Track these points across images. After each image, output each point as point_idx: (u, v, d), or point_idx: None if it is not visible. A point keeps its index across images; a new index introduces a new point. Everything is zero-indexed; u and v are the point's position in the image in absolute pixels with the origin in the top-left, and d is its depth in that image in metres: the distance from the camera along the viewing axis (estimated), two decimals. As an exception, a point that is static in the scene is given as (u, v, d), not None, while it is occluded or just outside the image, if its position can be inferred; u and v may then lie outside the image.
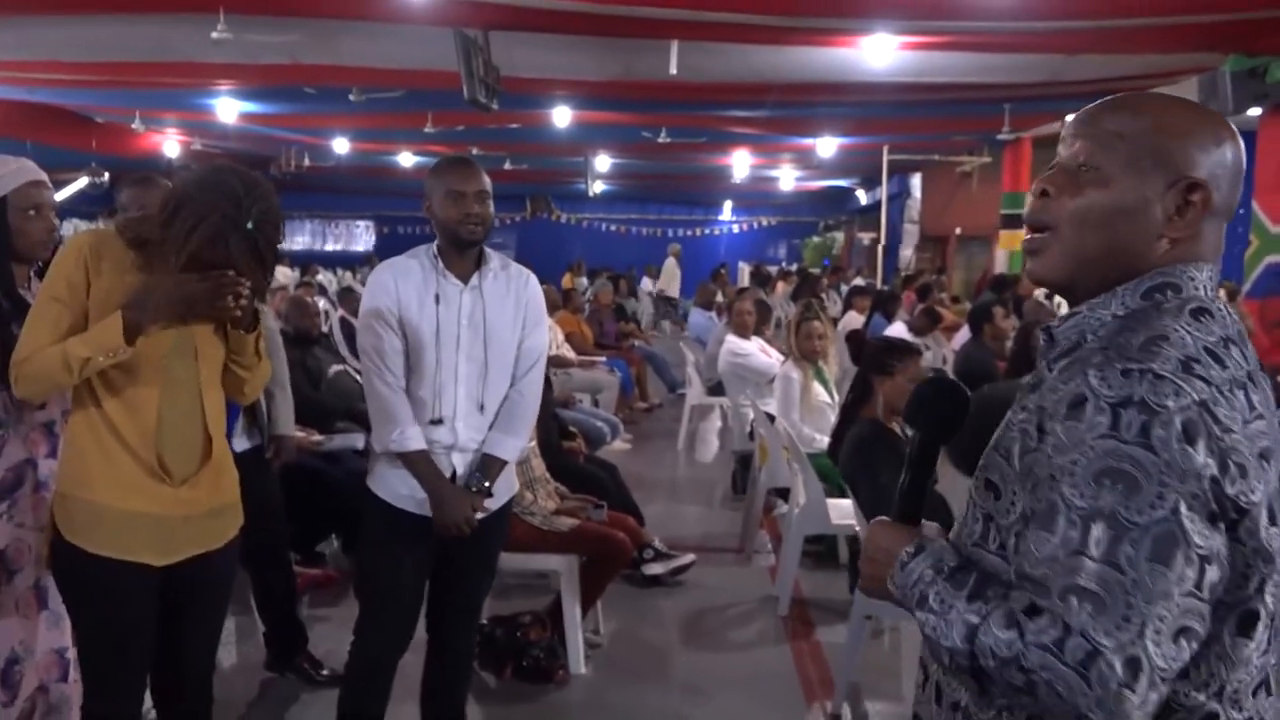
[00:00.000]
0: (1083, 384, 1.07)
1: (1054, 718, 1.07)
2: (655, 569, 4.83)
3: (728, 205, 26.13)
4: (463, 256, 2.68)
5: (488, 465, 2.72)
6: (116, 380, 2.14)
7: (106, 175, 14.07)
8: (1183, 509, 1.02)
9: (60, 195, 15.47)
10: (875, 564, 1.25)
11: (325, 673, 3.64)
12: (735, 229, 26.75)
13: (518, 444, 2.78)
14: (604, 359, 8.85)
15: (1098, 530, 1.03)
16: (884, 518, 1.31)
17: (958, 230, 20.06)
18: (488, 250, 2.74)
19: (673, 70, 7.94)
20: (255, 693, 3.65)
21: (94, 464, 2.16)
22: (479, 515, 2.69)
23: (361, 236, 25.26)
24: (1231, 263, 13.69)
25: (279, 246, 2.19)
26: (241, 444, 3.43)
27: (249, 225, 2.07)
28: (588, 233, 25.71)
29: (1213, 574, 1.03)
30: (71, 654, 2.55)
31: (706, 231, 26.56)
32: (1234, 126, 1.20)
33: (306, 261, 17.72)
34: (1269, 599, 1.08)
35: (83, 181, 14.38)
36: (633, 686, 3.85)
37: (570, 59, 8.74)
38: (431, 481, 2.65)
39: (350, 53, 8.67)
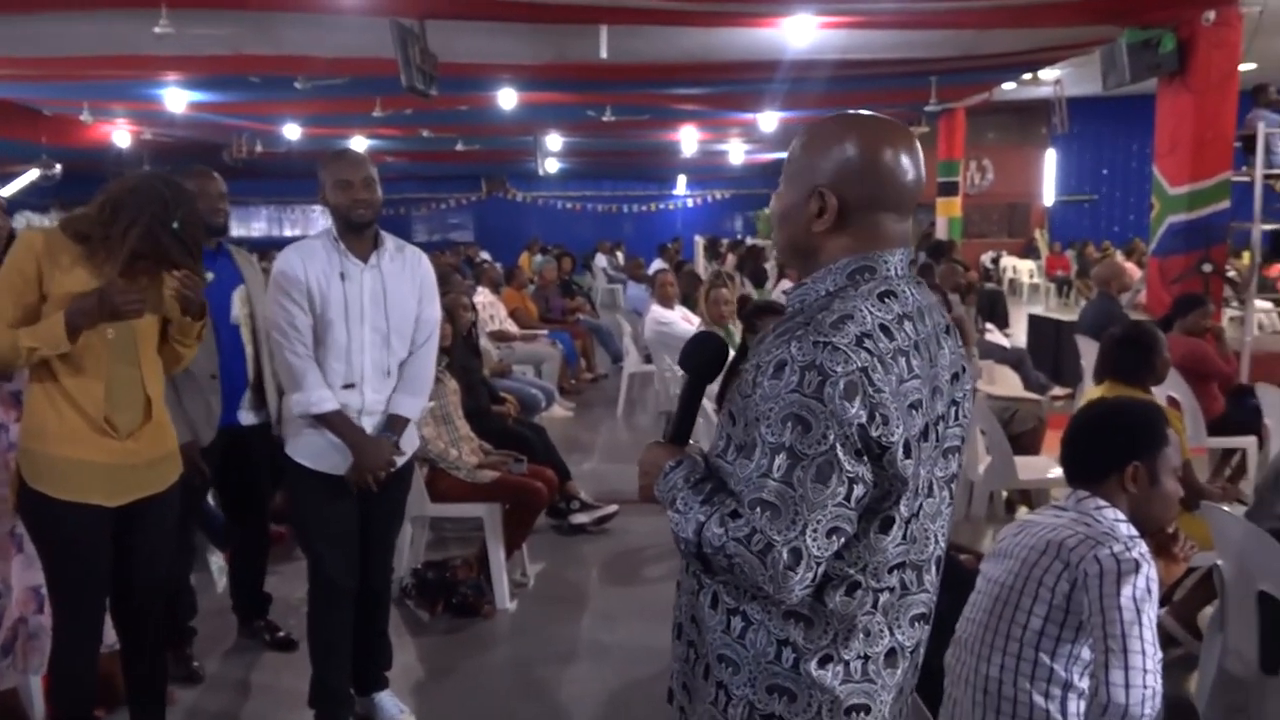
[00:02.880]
0: (785, 351, 1.39)
1: (748, 588, 1.47)
2: (580, 518, 5.28)
3: (682, 180, 26.44)
4: (360, 238, 3.05)
5: (393, 423, 3.11)
6: (70, 354, 2.54)
7: (58, 167, 14.18)
8: (838, 446, 1.36)
9: (12, 188, 15.58)
10: (647, 475, 1.62)
11: (282, 634, 3.96)
12: (690, 203, 27.09)
13: (418, 403, 3.19)
14: (546, 332, 9.24)
15: (780, 459, 1.38)
16: (659, 439, 1.68)
17: (902, 199, 20.54)
18: (382, 233, 3.12)
19: (603, 54, 8.29)
20: (222, 658, 3.92)
21: (50, 422, 2.56)
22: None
23: (319, 221, 25.32)
24: (1141, 224, 14.28)
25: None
26: (248, 419, 3.63)
27: (175, 225, 2.48)
28: (544, 211, 25.95)
29: (858, 491, 1.39)
30: (45, 590, 2.94)
31: (662, 207, 26.89)
32: (880, 128, 1.49)
33: (265, 247, 17.89)
34: (902, 508, 1.46)
35: (34, 174, 14.49)
36: (554, 618, 4.28)
37: (505, 45, 9.06)
38: (350, 435, 3.03)
39: (291, 42, 8.93)
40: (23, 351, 2.47)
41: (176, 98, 11.72)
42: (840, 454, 1.36)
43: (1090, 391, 3.91)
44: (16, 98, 12.03)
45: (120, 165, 13.36)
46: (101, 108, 13.05)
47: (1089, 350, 6.19)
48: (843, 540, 1.41)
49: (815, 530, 1.38)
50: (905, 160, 1.49)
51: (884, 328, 1.42)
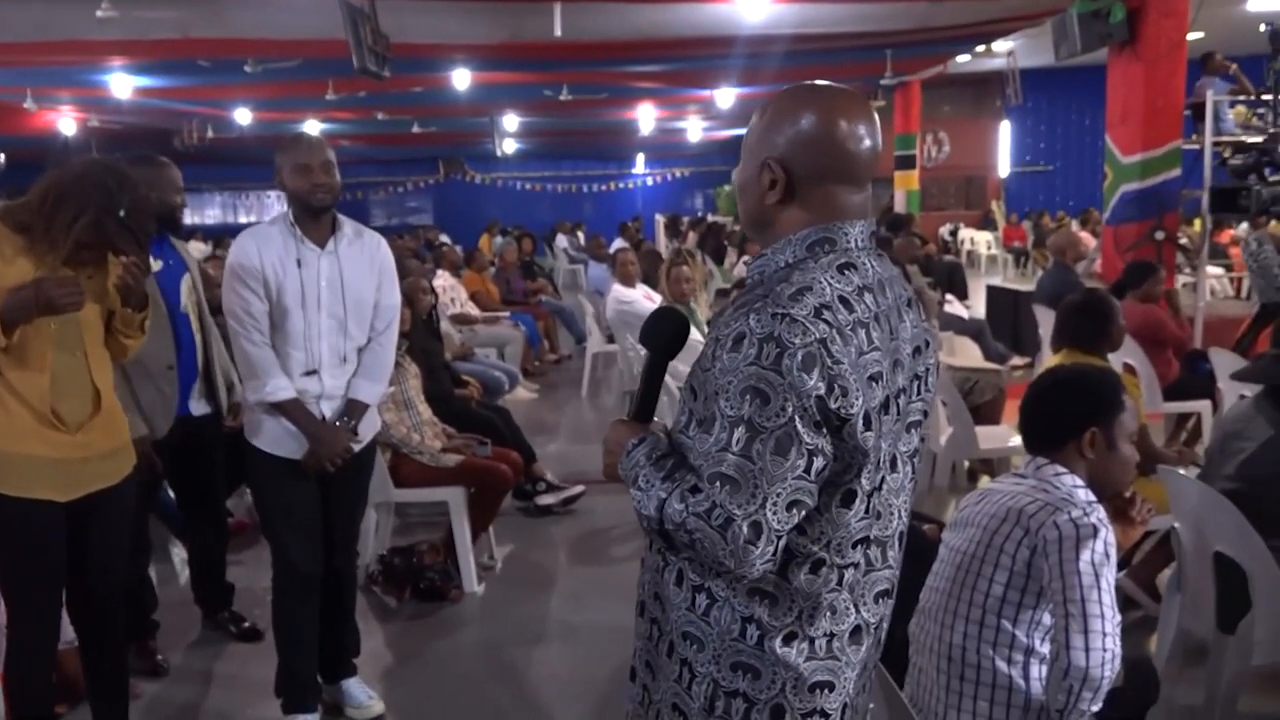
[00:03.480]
0: (744, 324, 1.38)
1: (710, 564, 1.46)
2: (547, 500, 5.27)
3: (640, 159, 26.37)
4: (317, 223, 3.01)
5: (352, 408, 3.08)
6: (13, 348, 2.47)
7: (1, 156, 13.86)
8: (797, 418, 1.35)
9: (-45, 178, 15.19)
10: (610, 454, 1.61)
11: (247, 624, 3.93)
12: (650, 181, 27.03)
13: (377, 389, 3.16)
14: (509, 314, 9.19)
15: (739, 432, 1.37)
16: (622, 418, 1.67)
17: (861, 173, 20.64)
18: (340, 217, 3.07)
19: (557, 32, 8.22)
20: (186, 650, 3.88)
21: None
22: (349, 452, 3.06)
23: (274, 207, 24.96)
24: (1095, 193, 14.44)
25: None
26: (200, 408, 3.59)
27: (121, 214, 2.42)
28: (503, 192, 25.78)
29: (818, 463, 1.38)
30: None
31: (622, 185, 26.81)
32: (832, 99, 1.48)
33: (220, 234, 17.62)
34: (864, 481, 1.45)
35: (-22, 163, 14.15)
36: (521, 600, 4.28)
37: (458, 24, 8.95)
38: (306, 424, 3.01)
39: (240, 25, 8.75)
40: None
41: (122, 83, 11.47)
42: (799, 426, 1.35)
43: (1048, 360, 3.96)
44: (-44, 86, 11.74)
45: (67, 153, 13.07)
46: (45, 95, 12.75)
47: (1046, 319, 6.26)
48: (803, 513, 1.41)
49: (775, 504, 1.37)
50: (858, 130, 1.48)
51: (843, 299, 1.41)
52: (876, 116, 1.54)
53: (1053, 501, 2.07)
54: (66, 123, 14.76)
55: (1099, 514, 2.05)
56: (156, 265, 3.45)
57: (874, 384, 1.42)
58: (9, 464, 2.50)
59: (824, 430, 1.38)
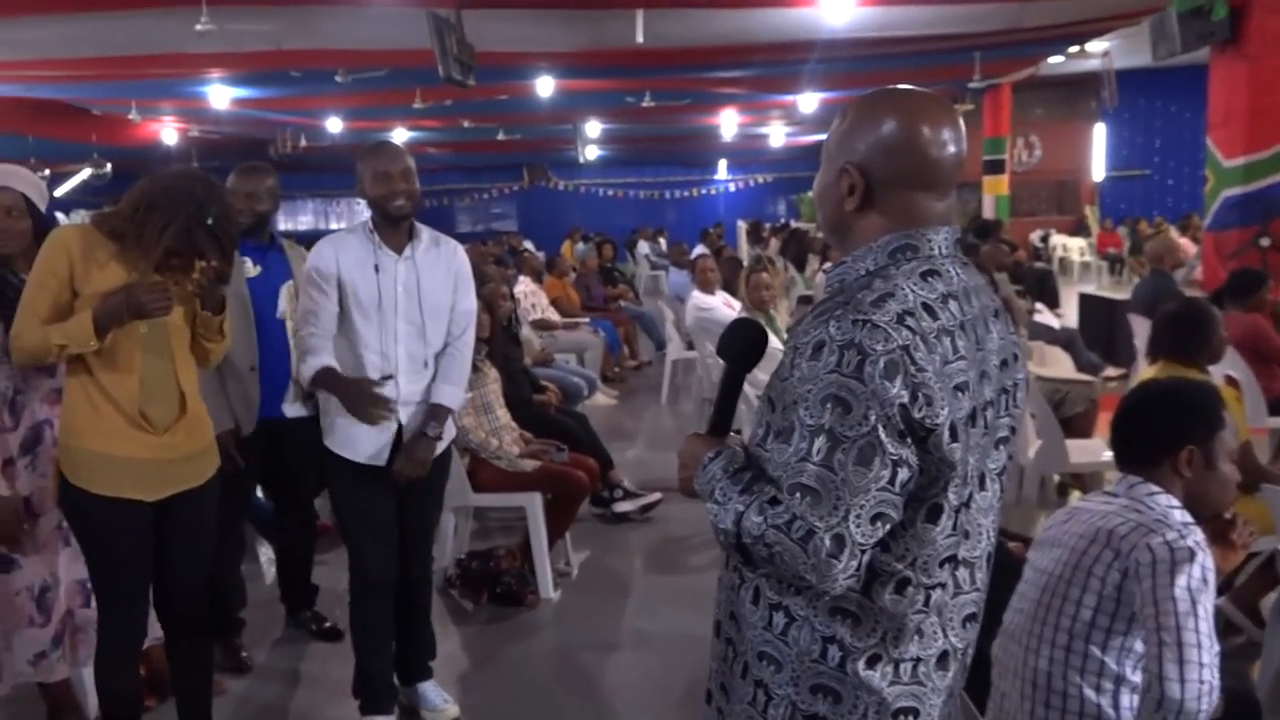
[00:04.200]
0: (824, 332, 1.35)
1: (790, 580, 1.42)
2: (624, 506, 5.26)
3: (723, 164, 26.29)
4: (396, 230, 3.04)
5: (435, 412, 3.10)
6: (104, 351, 2.55)
7: (109, 165, 14.43)
8: (880, 427, 1.31)
9: (65, 187, 15.90)
10: (685, 468, 1.57)
11: (328, 624, 4.00)
12: (732, 188, 26.94)
13: (458, 393, 3.18)
14: (589, 320, 9.23)
15: (819, 441, 1.33)
16: (698, 431, 1.63)
17: (948, 178, 20.24)
18: (418, 225, 3.10)
19: (639, 39, 8.23)
20: (270, 648, 3.97)
21: (87, 419, 2.58)
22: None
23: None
24: (1196, 198, 13.90)
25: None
26: (293, 410, 3.61)
27: (209, 222, 2.48)
28: (586, 199, 25.96)
29: (903, 475, 1.33)
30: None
31: (704, 192, 26.77)
32: (914, 102, 1.45)
33: (311, 240, 18.04)
34: (951, 496, 1.40)
35: (86, 173, 14.77)
36: (597, 607, 4.27)
37: (542, 32, 9.04)
38: (340, 386, 2.97)
39: (331, 36, 8.99)
40: (54, 349, 2.49)
41: (220, 94, 11.87)
42: (882, 435, 1.31)
43: (1144, 372, 3.81)
44: (67, 98, 12.26)
45: (169, 162, 13.56)
46: (149, 106, 13.26)
47: (1142, 329, 6.04)
48: (888, 527, 1.36)
49: (859, 516, 1.32)
50: (941, 135, 1.44)
51: (927, 306, 1.37)
52: (961, 122, 1.49)
53: (1146, 523, 1.97)
54: (169, 133, 15.32)
55: (1196, 537, 1.94)
56: (254, 271, 3.54)
57: (959, 394, 1.37)
58: (99, 464, 2.58)
59: (908, 441, 1.33)
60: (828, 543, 1.32)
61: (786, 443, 1.38)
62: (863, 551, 1.35)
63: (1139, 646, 1.96)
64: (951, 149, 1.45)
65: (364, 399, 2.95)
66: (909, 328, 1.33)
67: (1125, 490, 2.10)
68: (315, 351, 3.00)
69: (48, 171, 13.59)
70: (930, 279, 1.41)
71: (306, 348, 3.02)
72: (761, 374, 1.99)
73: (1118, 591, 1.95)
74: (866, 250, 1.46)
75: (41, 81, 10.60)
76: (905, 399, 1.31)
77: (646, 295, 13.99)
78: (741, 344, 1.60)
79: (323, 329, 3.01)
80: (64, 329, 2.49)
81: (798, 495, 1.34)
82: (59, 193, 15.67)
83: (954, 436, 1.36)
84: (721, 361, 1.64)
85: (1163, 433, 2.10)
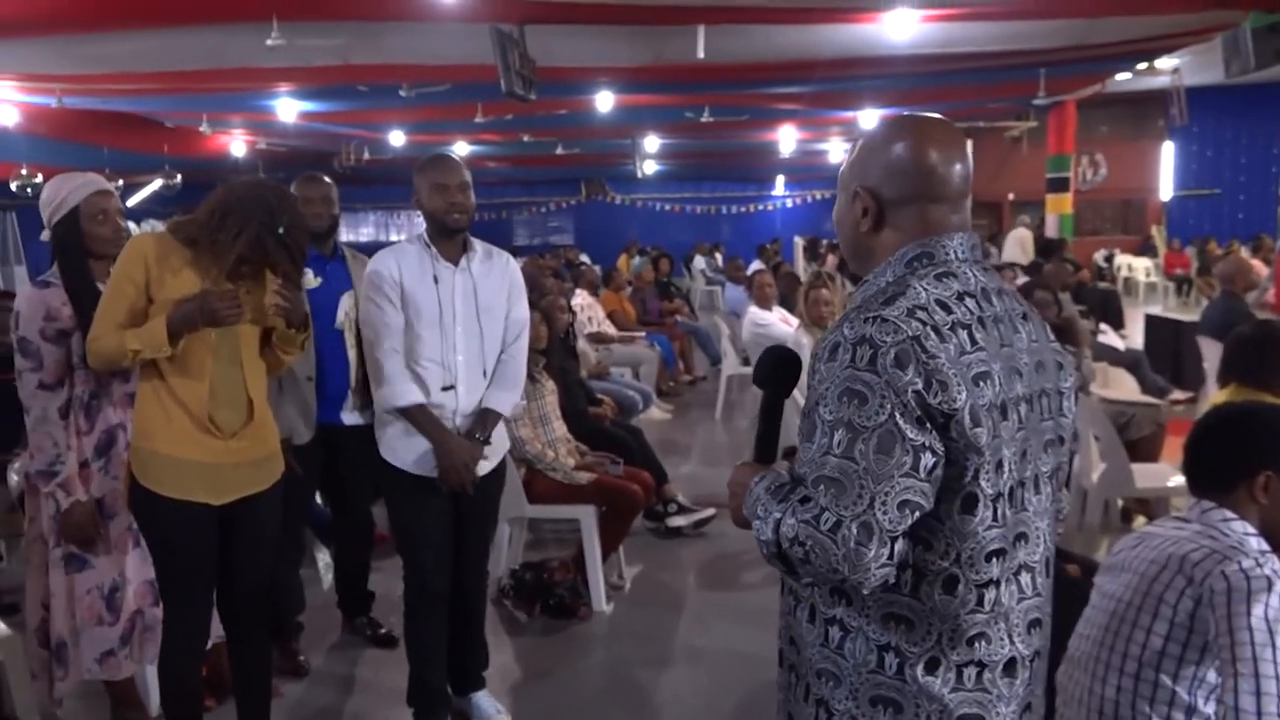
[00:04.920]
0: (839, 334, 1.41)
1: (827, 577, 1.39)
2: (678, 521, 5.25)
3: (780, 180, 26.19)
4: (451, 242, 3.09)
5: (485, 418, 3.12)
6: (176, 356, 2.62)
7: (179, 176, 14.80)
8: (897, 415, 1.34)
9: (137, 197, 16.33)
10: (735, 496, 1.58)
11: (383, 631, 4.05)
12: (789, 204, 26.81)
13: (511, 399, 3.20)
14: (644, 334, 9.24)
15: (839, 434, 1.36)
16: (747, 460, 1.64)
17: (1010, 196, 19.99)
18: (471, 238, 3.15)
19: (700, 54, 8.24)
20: (327, 653, 4.03)
21: (158, 422, 2.64)
22: (480, 471, 3.10)
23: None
24: (1268, 218, 13.51)
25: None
26: (351, 419, 3.66)
27: (280, 231, 2.53)
28: (642, 213, 26.01)
29: (927, 460, 1.35)
30: (159, 584, 3.04)
31: (761, 207, 26.68)
32: (917, 125, 1.50)
33: (372, 251, 18.30)
34: (984, 484, 1.39)
35: (157, 183, 15.15)
36: (649, 621, 4.26)
37: (603, 47, 9.09)
38: (433, 431, 3.05)
39: (396, 51, 9.12)
40: (129, 352, 2.55)
41: (288, 108, 12.09)
42: (900, 422, 1.34)
43: (1214, 396, 3.70)
44: (141, 111, 12.59)
45: (237, 174, 13.88)
46: (219, 119, 13.56)
47: (1212, 352, 5.89)
48: (917, 514, 1.36)
49: (884, 503, 1.34)
50: (947, 154, 1.50)
51: (940, 302, 1.42)
52: (967, 142, 1.56)
53: (1220, 549, 1.91)
54: (237, 145, 15.65)
55: (1273, 565, 1.88)
56: (315, 282, 3.60)
57: (981, 383, 1.39)
58: (168, 467, 2.64)
59: (928, 427, 1.36)
60: (855, 531, 1.34)
61: (810, 440, 1.42)
62: (893, 539, 1.35)
63: (1212, 677, 1.90)
64: (959, 167, 1.51)
65: (461, 455, 3.02)
66: (919, 320, 1.38)
67: (1198, 516, 2.04)
68: (397, 379, 3.02)
69: (121, 182, 13.99)
70: (945, 279, 1.46)
71: (389, 373, 3.03)
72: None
73: (1190, 620, 1.89)
74: (885, 265, 1.52)
75: (117, 95, 10.89)
76: (919, 385, 1.35)
77: (702, 310, 13.99)
78: (774, 371, 1.63)
79: (395, 344, 3.03)
80: (139, 334, 2.55)
81: (822, 487, 1.38)
82: (131, 202, 16.10)
83: (976, 422, 1.38)
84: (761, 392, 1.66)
85: (1238, 457, 2.04)
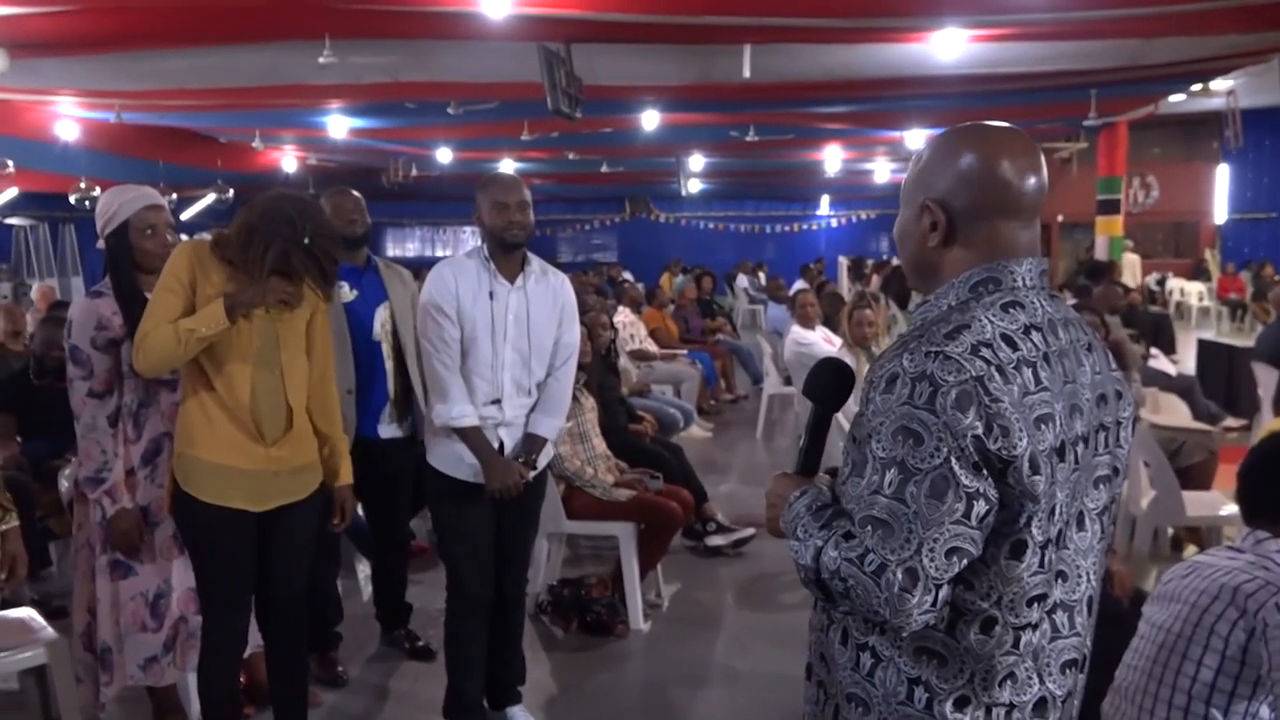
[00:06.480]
0: (897, 364, 1.34)
1: (867, 615, 1.37)
2: (717, 541, 5.22)
3: (825, 200, 26.09)
4: (509, 259, 3.12)
5: (531, 443, 3.16)
6: (219, 365, 2.66)
7: (231, 191, 15.06)
8: (953, 459, 1.29)
9: (192, 210, 16.63)
10: (773, 507, 1.55)
11: (421, 643, 4.06)
12: (834, 223, 26.70)
13: (556, 424, 3.23)
14: (686, 352, 9.23)
15: (891, 474, 1.32)
16: (786, 470, 1.61)
17: (1060, 218, 19.73)
18: (529, 255, 3.17)
19: (746, 74, 8.25)
20: (364, 663, 4.04)
21: (200, 429, 2.68)
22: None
23: (468, 242, 26.13)
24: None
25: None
26: (390, 432, 3.71)
27: (305, 241, 2.57)
28: (686, 231, 26.04)
29: (979, 507, 1.30)
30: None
31: (805, 227, 26.59)
32: (989, 134, 1.44)
33: (418, 266, 18.52)
34: (1035, 531, 1.35)
35: (210, 197, 15.43)
36: (686, 640, 4.23)
37: (649, 66, 9.13)
38: (484, 452, 3.10)
39: (445, 69, 9.24)
40: (184, 336, 2.56)
41: (339, 124, 12.29)
42: (955, 468, 1.29)
43: (1271, 423, 3.62)
44: (196, 126, 12.86)
45: (287, 189, 14.07)
46: (271, 135, 13.81)
47: (1268, 378, 5.76)
48: (965, 562, 1.32)
49: (932, 549, 1.30)
50: (1021, 164, 1.44)
51: (1005, 337, 1.35)
52: (1040, 152, 1.48)
53: (1275, 581, 1.86)
54: (288, 160, 15.92)
55: (1330, 599, 1.83)
56: (351, 295, 3.64)
57: (1042, 426, 1.34)
58: (208, 473, 2.68)
59: (984, 473, 1.30)
60: (900, 576, 1.30)
61: (860, 476, 1.37)
62: (938, 587, 1.32)
63: (1265, 713, 1.85)
64: (1033, 179, 1.44)
65: (507, 478, 3.07)
66: (983, 358, 1.32)
67: (1251, 546, 1.99)
68: (457, 398, 3.07)
69: (175, 195, 14.27)
70: (1012, 310, 1.39)
71: (450, 391, 3.07)
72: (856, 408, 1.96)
73: (1242, 652, 1.84)
74: (949, 287, 1.45)
75: (173, 110, 11.14)
76: (979, 430, 1.30)
77: (744, 329, 13.96)
78: (826, 383, 1.59)
79: (454, 358, 3.07)
80: (195, 316, 2.58)
81: (869, 528, 1.33)
82: (185, 216, 16.41)
83: (1035, 469, 1.33)
84: (809, 401, 1.63)
85: None
